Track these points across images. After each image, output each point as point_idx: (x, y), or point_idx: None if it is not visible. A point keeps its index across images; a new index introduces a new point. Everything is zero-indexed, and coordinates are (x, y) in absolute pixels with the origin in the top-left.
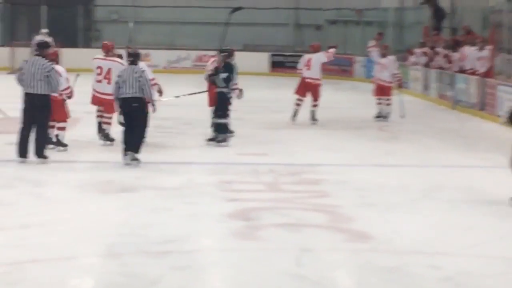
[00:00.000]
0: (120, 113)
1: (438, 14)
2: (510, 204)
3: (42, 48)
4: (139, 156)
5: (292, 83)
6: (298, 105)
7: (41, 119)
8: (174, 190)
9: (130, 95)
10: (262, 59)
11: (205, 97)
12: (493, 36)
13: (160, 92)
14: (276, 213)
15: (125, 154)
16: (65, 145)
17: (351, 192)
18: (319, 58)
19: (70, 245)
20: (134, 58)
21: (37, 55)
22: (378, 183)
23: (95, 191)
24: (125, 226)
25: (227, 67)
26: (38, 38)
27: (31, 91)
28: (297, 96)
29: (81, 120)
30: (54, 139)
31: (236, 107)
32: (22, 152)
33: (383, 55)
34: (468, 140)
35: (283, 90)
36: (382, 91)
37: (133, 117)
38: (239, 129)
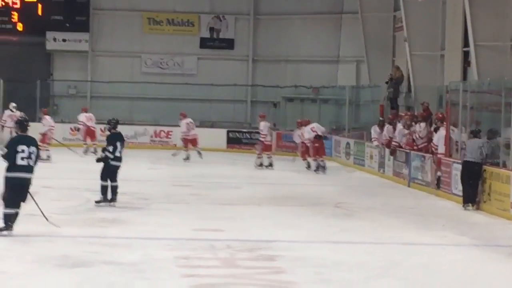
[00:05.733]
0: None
1: (396, 93)
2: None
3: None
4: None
5: (248, 159)
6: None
7: None
8: (130, 266)
9: (473, 160)
10: (219, 135)
11: (161, 172)
12: (448, 114)
13: None
14: None
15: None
16: None
17: (307, 269)
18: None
19: None
20: (475, 134)
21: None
22: (333, 260)
23: (51, 266)
24: None
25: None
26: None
27: None
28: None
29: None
30: None
31: (192, 182)
32: None
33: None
34: (424, 218)
35: (239, 166)
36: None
37: (473, 177)
38: (196, 204)
